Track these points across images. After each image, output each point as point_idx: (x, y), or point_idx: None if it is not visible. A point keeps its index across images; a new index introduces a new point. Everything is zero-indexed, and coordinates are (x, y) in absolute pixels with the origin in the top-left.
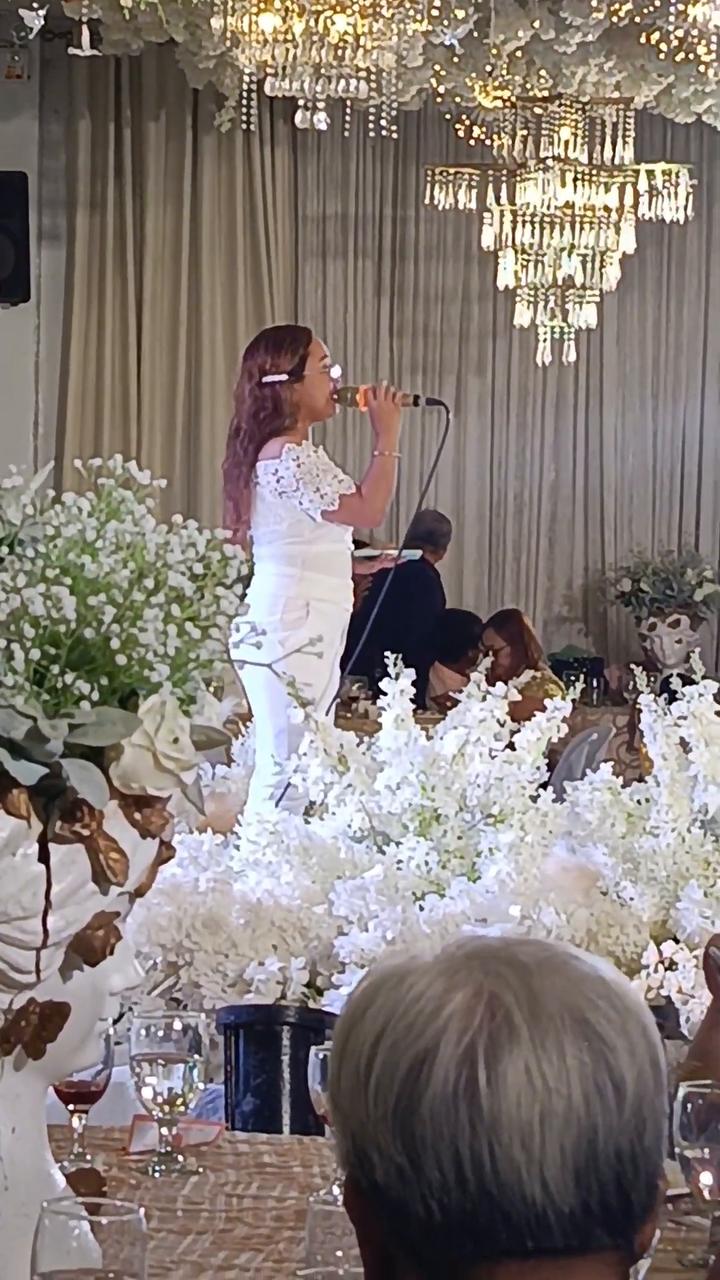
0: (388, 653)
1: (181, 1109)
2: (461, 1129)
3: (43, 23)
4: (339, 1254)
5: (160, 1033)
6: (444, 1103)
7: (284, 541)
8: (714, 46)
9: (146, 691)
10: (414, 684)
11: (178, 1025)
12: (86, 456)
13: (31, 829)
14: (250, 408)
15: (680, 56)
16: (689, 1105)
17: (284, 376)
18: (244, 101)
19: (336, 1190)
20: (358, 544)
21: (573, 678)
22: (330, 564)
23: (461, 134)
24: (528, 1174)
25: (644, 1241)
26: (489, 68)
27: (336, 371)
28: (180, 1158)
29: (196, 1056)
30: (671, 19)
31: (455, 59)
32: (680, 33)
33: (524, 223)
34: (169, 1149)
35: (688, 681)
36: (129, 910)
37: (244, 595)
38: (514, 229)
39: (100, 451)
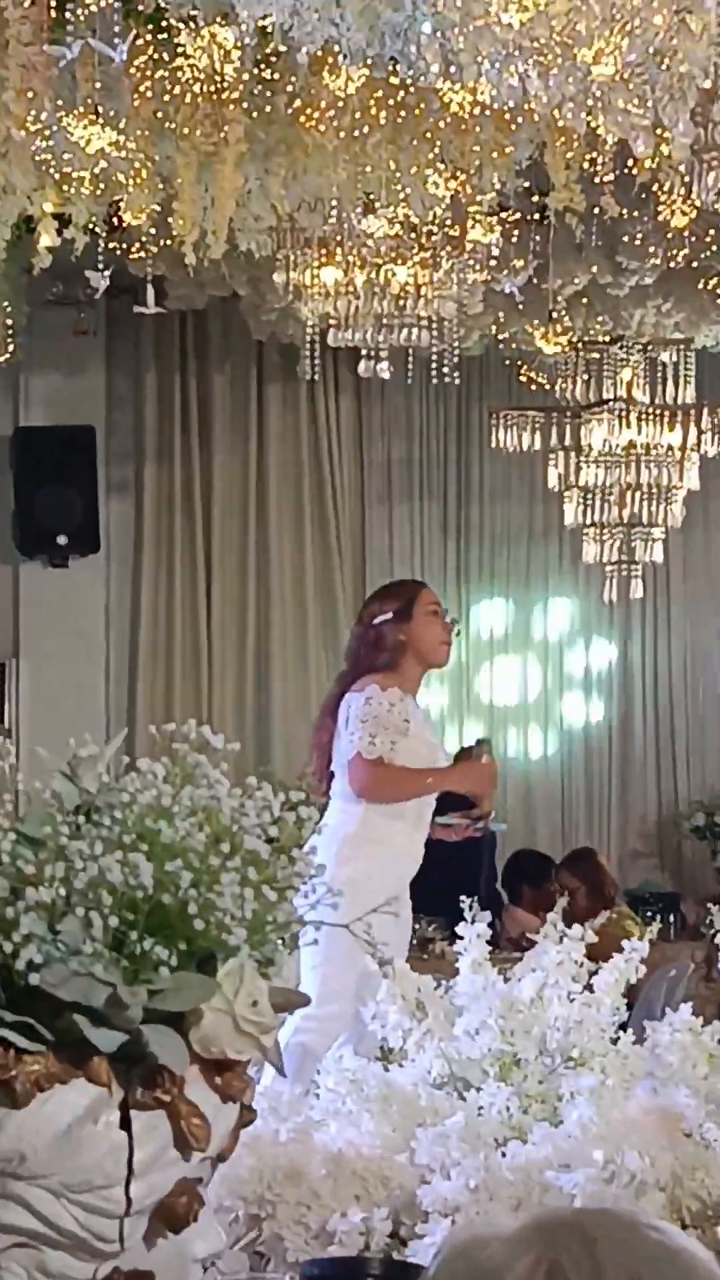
0: (463, 897)
1: None
2: None
3: (108, 283)
4: None
5: None
6: None
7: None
8: None
9: (224, 954)
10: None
11: None
12: (158, 706)
13: (113, 1096)
14: (354, 648)
15: None
16: None
17: (389, 615)
18: (311, 352)
19: None
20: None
21: (650, 914)
22: (397, 807)
23: (524, 380)
24: None
25: None
26: (549, 312)
27: (457, 627)
28: None
29: None
30: None
31: (517, 305)
32: None
33: (587, 463)
34: None
35: None
36: (211, 1176)
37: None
38: (577, 469)
39: (171, 701)
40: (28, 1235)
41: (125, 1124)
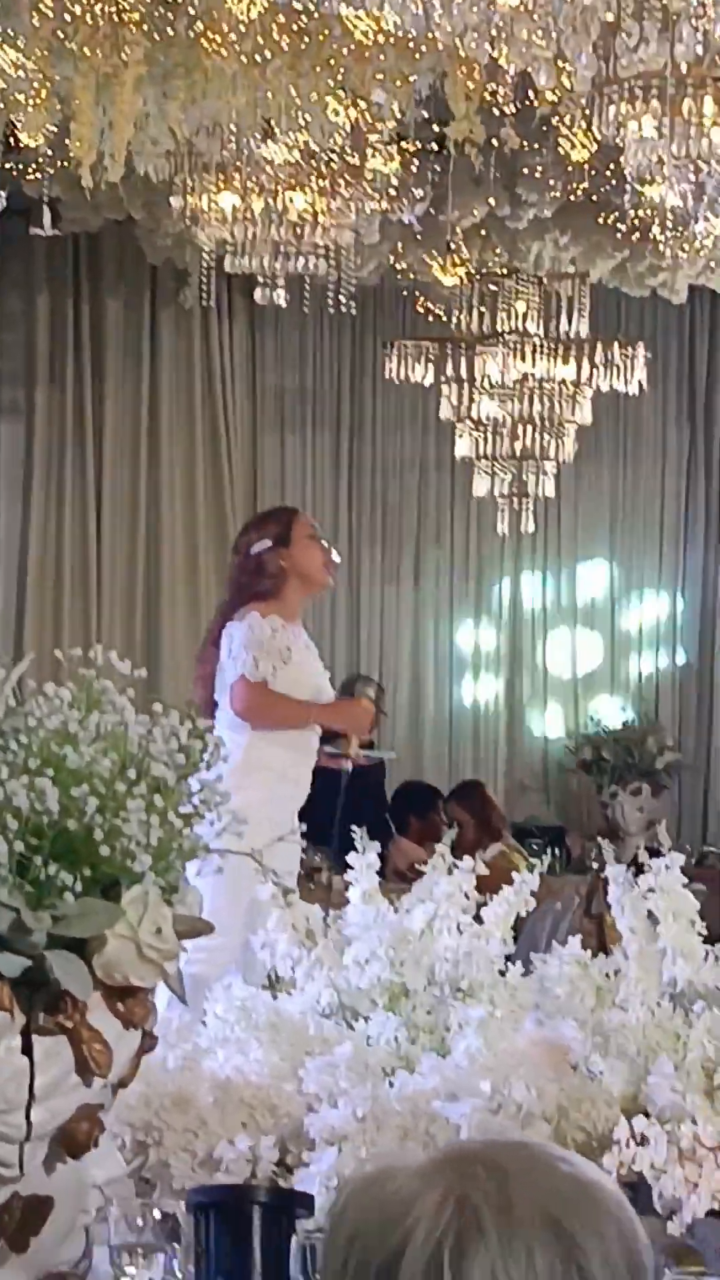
0: (353, 826)
1: None
2: None
3: (5, 203)
4: None
5: (140, 1221)
6: None
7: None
8: (669, 225)
9: (129, 881)
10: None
11: (157, 1214)
12: (46, 631)
13: (14, 1021)
14: (234, 578)
15: (638, 236)
16: None
17: (268, 543)
18: (203, 278)
19: None
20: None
21: (535, 847)
22: (284, 736)
23: (420, 310)
24: None
25: None
26: (448, 244)
27: (335, 552)
28: None
29: (176, 1245)
30: (627, 197)
31: (415, 236)
32: (636, 211)
33: (481, 395)
34: None
35: (654, 853)
36: (112, 1101)
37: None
38: (471, 401)
39: (60, 626)
40: None
41: (27, 1049)
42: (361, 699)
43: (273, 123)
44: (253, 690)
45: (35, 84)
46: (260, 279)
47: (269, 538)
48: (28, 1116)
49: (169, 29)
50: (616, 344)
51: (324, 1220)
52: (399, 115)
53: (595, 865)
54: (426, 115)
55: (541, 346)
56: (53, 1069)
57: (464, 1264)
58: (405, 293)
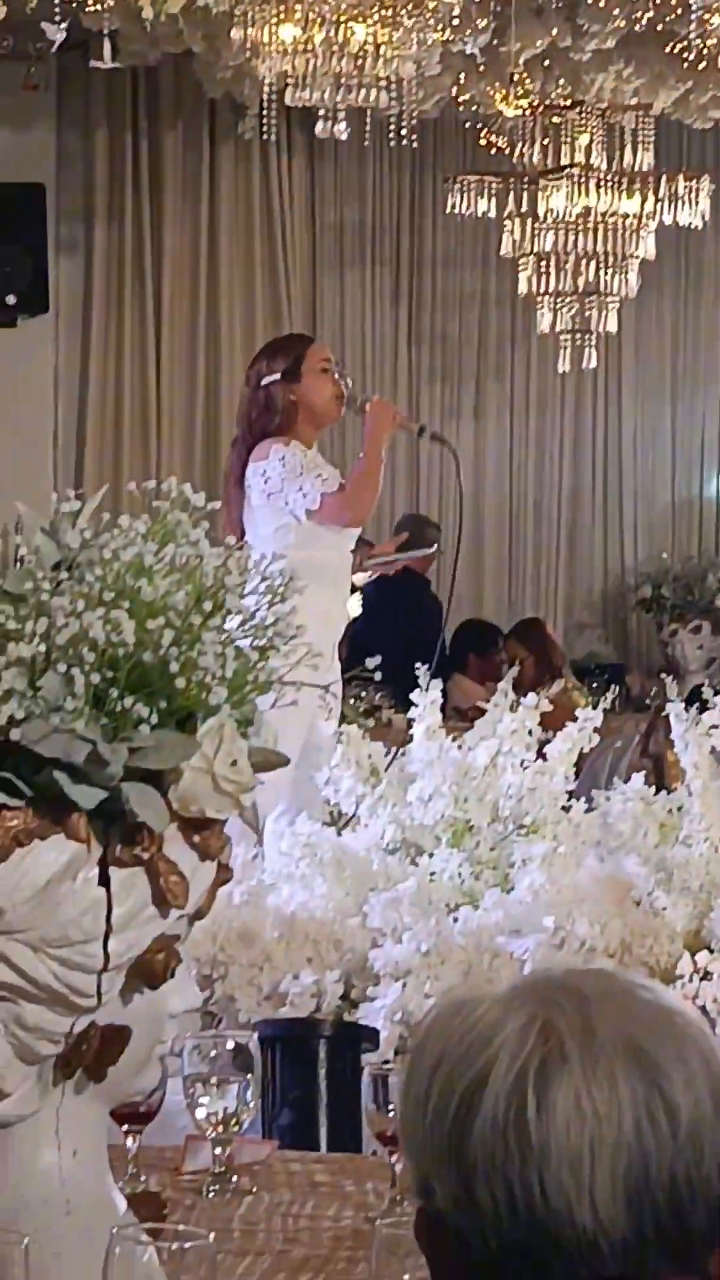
0: (418, 664)
1: (236, 1128)
2: (511, 1157)
3: (65, 36)
4: (405, 1277)
5: (213, 1052)
6: (494, 1130)
7: (270, 547)
8: None
9: (205, 714)
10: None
11: (230, 1045)
12: (105, 468)
13: (91, 853)
14: (244, 411)
15: (703, 66)
16: None
17: (277, 375)
18: (263, 111)
19: (398, 1211)
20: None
21: (597, 685)
22: (320, 572)
23: (482, 143)
24: (578, 1202)
25: (716, 1270)
26: (510, 75)
27: (348, 382)
28: (234, 1178)
29: (249, 1076)
30: (692, 26)
31: (477, 67)
32: (702, 40)
33: (543, 230)
34: (223, 1169)
35: (717, 691)
36: (188, 933)
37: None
38: (533, 236)
39: (120, 462)
40: (6, 989)
41: (104, 881)
42: (366, 405)
43: None
44: (338, 497)
45: None
46: (320, 112)
47: (278, 370)
48: (105, 947)
49: None
50: (681, 177)
51: (406, 1049)
52: None
53: (654, 703)
54: None
55: (605, 180)
56: (130, 900)
57: (548, 1090)
58: (467, 125)
